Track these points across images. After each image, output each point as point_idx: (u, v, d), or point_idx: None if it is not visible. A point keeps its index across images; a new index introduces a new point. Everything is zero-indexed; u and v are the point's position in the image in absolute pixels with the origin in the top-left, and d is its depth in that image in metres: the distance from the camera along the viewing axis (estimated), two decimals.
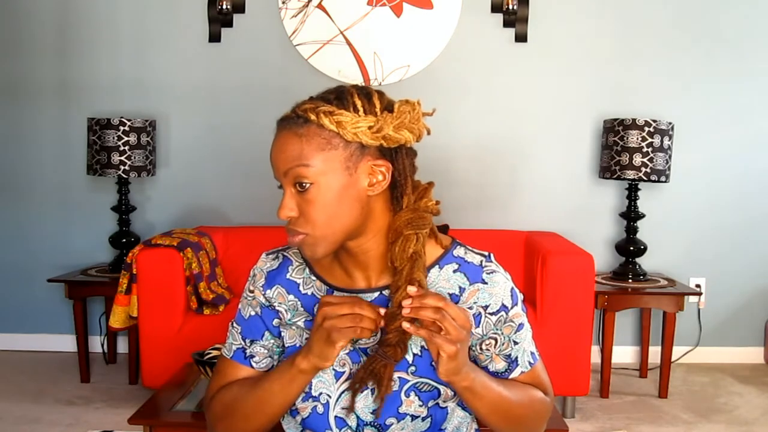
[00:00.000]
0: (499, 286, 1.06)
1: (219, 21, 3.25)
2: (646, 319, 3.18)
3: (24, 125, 3.35)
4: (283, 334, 1.13)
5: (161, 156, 3.30)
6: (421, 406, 1.05)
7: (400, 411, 1.05)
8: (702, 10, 3.23)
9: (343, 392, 1.06)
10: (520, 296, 1.10)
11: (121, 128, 2.96)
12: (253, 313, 1.14)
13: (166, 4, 3.27)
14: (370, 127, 0.99)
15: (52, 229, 3.38)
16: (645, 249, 3.03)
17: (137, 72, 3.30)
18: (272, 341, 1.13)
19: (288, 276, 1.12)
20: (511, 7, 3.16)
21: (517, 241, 3.05)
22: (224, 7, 3.20)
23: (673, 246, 3.30)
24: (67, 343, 3.33)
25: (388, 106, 1.02)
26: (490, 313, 1.06)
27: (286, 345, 1.12)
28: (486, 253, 1.10)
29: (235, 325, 1.16)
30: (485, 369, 1.09)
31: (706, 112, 3.27)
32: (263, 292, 1.13)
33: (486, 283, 1.06)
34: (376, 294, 1.07)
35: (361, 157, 1.00)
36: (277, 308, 1.12)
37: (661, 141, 2.87)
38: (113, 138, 2.95)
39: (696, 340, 3.33)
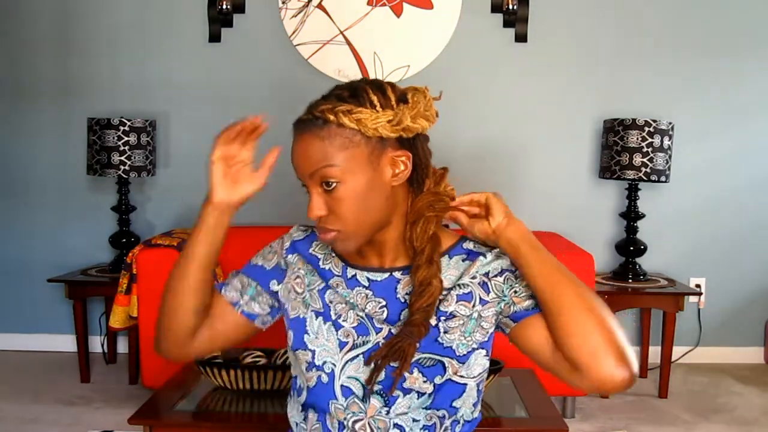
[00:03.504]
0: (501, 260, 1.08)
1: (219, 21, 3.24)
2: (646, 319, 3.18)
3: (24, 125, 3.35)
4: (286, 305, 1.14)
5: (161, 156, 3.30)
6: (425, 382, 1.04)
7: (404, 386, 1.05)
8: (702, 10, 3.23)
9: (347, 362, 1.06)
10: None
11: (121, 128, 2.96)
12: (260, 263, 1.17)
13: (166, 4, 3.27)
14: (389, 121, 1.01)
15: (52, 229, 3.37)
16: (645, 249, 3.03)
17: (137, 72, 3.30)
18: (253, 287, 1.14)
19: (311, 251, 1.15)
20: (511, 7, 3.16)
21: None
22: (224, 7, 3.20)
23: (673, 246, 3.30)
24: (67, 343, 3.33)
25: (402, 97, 1.05)
26: (494, 276, 1.07)
27: (290, 317, 1.13)
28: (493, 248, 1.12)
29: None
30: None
31: (706, 112, 3.27)
32: (284, 256, 1.15)
33: (486, 257, 1.08)
34: (387, 275, 1.08)
35: (382, 151, 1.02)
36: (296, 273, 1.13)
37: (661, 141, 2.86)
38: (113, 138, 2.95)
39: (696, 340, 3.33)
